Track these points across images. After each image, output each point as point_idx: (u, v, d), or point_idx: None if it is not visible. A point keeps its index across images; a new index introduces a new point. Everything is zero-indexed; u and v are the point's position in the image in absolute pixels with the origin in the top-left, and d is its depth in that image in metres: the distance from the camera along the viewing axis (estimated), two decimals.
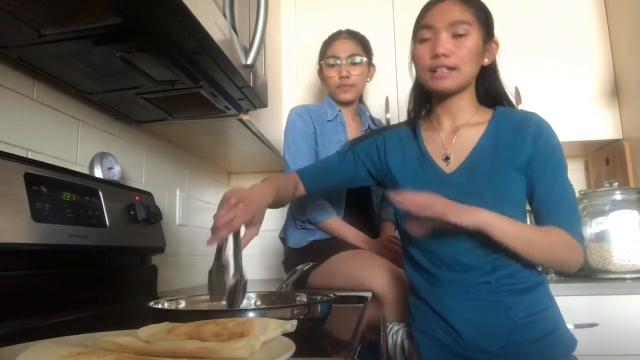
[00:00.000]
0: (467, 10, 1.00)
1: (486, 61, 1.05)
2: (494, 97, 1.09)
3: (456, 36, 0.98)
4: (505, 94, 1.10)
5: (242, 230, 0.85)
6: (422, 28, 1.02)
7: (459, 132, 1.05)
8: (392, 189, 1.09)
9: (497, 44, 1.06)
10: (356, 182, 1.20)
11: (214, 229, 0.79)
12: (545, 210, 0.97)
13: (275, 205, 1.04)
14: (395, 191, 0.93)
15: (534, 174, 0.97)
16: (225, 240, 0.79)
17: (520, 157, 0.98)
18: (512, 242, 0.90)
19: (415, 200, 0.90)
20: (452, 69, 0.99)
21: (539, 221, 0.98)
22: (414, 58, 1.05)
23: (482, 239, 0.92)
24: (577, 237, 0.94)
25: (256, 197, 0.90)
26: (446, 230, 0.92)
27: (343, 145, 1.24)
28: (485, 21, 1.02)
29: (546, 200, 0.97)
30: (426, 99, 1.14)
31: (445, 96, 1.05)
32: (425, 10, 1.04)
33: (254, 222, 0.87)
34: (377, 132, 1.20)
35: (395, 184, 1.09)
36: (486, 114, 1.06)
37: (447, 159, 1.04)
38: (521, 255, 0.91)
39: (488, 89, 1.09)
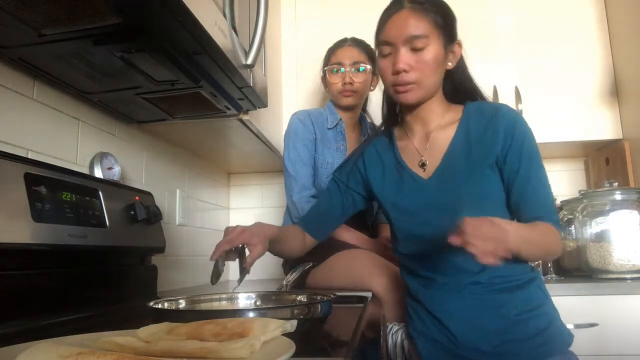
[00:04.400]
0: (423, 21, 0.96)
1: (450, 65, 1.03)
2: (465, 94, 1.08)
3: (415, 50, 0.97)
4: (477, 90, 1.09)
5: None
6: (382, 44, 1.00)
7: (432, 136, 1.05)
8: (378, 202, 1.12)
9: (460, 45, 1.04)
10: (358, 209, 1.21)
11: (216, 246, 0.89)
12: (525, 203, 0.96)
13: (280, 250, 1.10)
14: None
15: (510, 167, 0.97)
16: (223, 256, 0.90)
17: (494, 152, 0.98)
18: (525, 252, 0.86)
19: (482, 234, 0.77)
20: (410, 83, 0.98)
21: (518, 214, 0.97)
22: (380, 72, 1.04)
23: None
24: (558, 227, 0.94)
25: (256, 226, 0.97)
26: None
27: (329, 182, 1.23)
28: (444, 26, 0.99)
29: (524, 192, 0.96)
30: (395, 108, 1.14)
31: (412, 106, 1.05)
32: (383, 22, 1.01)
33: (255, 243, 0.93)
34: (356, 154, 1.18)
35: (378, 198, 1.11)
36: (457, 112, 1.06)
37: (423, 165, 1.05)
38: (525, 258, 0.92)
39: (457, 88, 1.08)
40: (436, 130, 1.05)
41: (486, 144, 0.99)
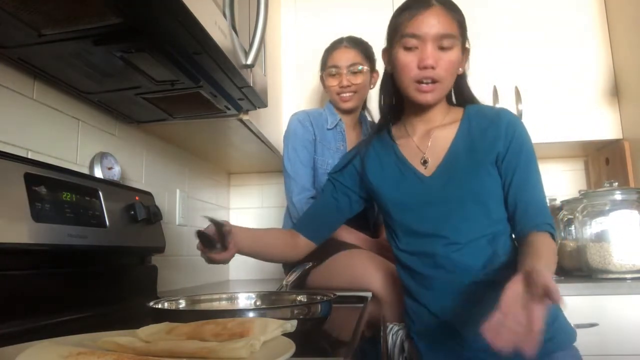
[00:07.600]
0: (452, 21, 0.98)
1: (460, 70, 1.05)
2: (465, 101, 1.10)
3: (441, 48, 0.98)
4: (475, 98, 1.10)
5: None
6: (408, 36, 0.99)
7: (433, 135, 1.06)
8: (377, 200, 1.12)
9: (469, 51, 1.06)
10: (355, 212, 1.20)
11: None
12: (521, 207, 0.97)
13: (262, 253, 1.11)
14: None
15: (507, 169, 0.99)
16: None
17: (495, 150, 0.99)
18: None
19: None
20: (436, 81, 0.99)
21: (514, 216, 0.98)
22: (399, 65, 1.01)
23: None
24: (554, 232, 0.94)
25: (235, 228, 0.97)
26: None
27: (325, 183, 1.22)
28: (464, 30, 1.03)
29: (521, 196, 0.97)
30: (399, 103, 1.13)
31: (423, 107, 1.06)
32: (411, 16, 0.99)
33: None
34: (352, 154, 1.18)
35: (378, 195, 1.10)
36: (457, 113, 1.08)
37: (425, 162, 1.05)
38: None
39: (459, 94, 1.11)
40: (438, 129, 1.06)
41: (488, 141, 1.00)
